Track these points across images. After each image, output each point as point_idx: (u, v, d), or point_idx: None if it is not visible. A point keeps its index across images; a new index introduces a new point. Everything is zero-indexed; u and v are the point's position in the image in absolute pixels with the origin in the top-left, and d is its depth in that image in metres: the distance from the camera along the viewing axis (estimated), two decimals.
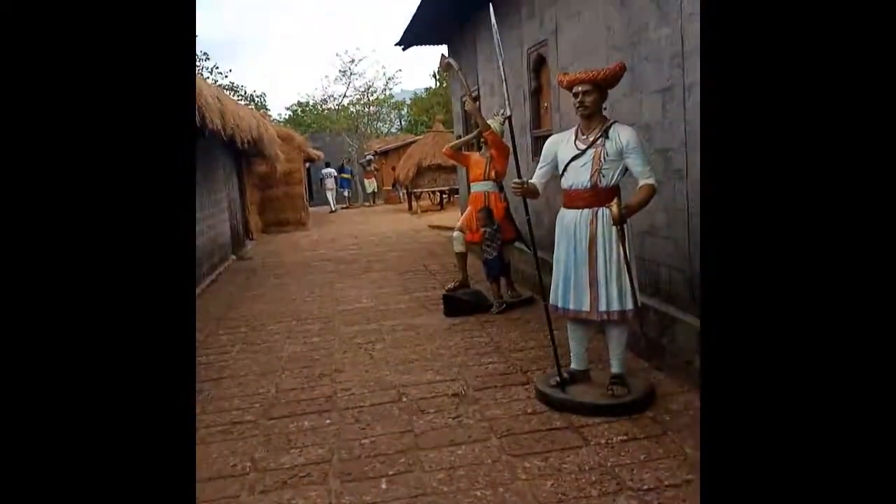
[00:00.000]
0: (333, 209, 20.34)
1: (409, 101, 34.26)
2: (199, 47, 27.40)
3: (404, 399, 3.52)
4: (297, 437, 3.12)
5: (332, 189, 20.75)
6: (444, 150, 6.26)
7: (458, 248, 5.95)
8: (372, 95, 26.93)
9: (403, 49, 10.96)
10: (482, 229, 5.50)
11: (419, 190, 16.64)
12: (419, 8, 8.27)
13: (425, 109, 29.05)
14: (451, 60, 5.52)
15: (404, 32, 9.94)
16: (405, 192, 18.71)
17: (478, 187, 5.69)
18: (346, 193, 22.32)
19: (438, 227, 12.47)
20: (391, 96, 28.60)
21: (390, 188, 21.67)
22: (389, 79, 27.19)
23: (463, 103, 8.45)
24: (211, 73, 25.59)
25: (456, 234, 5.92)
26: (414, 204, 16.94)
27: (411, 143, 24.04)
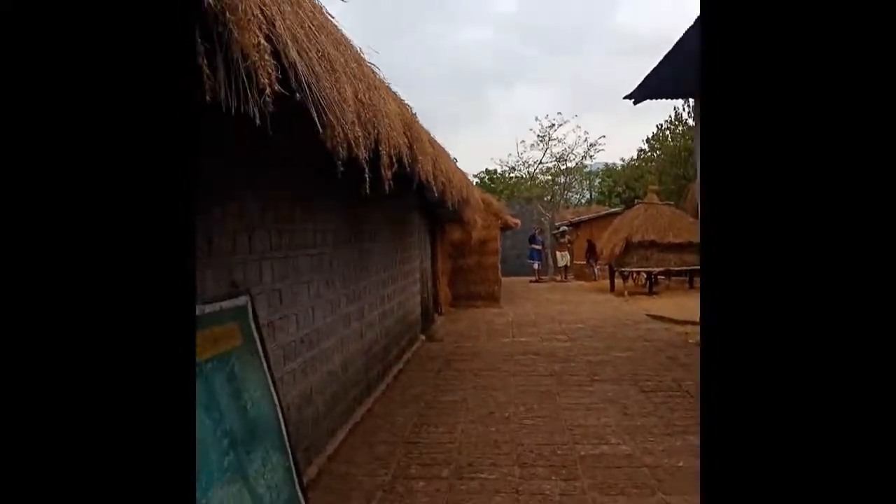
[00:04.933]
0: None
1: (601, 172, 32.20)
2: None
3: None
4: None
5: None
6: None
7: None
8: (564, 164, 25.01)
9: (635, 103, 9.29)
10: None
11: (628, 269, 14.38)
12: (671, 53, 7.03)
13: (636, 178, 26.98)
14: None
15: (642, 83, 8.37)
16: (604, 269, 16.63)
17: None
18: (535, 266, 20.51)
19: (661, 318, 10.15)
20: (584, 166, 26.62)
21: (584, 263, 19.64)
22: (591, 145, 24.63)
23: None
24: None
25: None
26: (619, 284, 14.72)
27: (608, 214, 22.01)
